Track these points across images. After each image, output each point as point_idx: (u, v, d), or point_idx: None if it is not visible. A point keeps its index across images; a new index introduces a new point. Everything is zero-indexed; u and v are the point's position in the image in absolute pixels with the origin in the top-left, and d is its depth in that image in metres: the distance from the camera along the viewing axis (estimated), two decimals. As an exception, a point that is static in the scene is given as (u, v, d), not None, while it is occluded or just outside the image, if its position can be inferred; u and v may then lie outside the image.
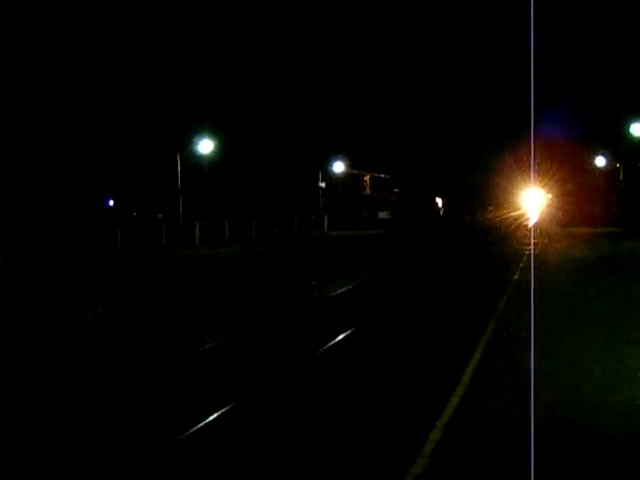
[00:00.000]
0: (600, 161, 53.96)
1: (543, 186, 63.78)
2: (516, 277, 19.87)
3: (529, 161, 57.79)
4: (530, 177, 61.77)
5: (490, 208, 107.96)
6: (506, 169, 71.40)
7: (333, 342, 11.41)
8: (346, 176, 66.65)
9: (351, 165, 65.58)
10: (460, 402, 7.86)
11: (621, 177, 52.49)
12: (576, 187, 57.84)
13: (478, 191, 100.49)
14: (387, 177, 78.59)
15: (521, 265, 23.29)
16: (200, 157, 44.03)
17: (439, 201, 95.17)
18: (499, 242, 37.10)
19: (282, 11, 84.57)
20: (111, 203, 57.02)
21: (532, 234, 42.32)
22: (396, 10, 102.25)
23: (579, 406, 7.62)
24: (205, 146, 42.56)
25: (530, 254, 27.59)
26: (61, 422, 7.66)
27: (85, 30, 49.01)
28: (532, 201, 71.81)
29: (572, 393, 8.10)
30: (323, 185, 58.12)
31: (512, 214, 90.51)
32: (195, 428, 7.20)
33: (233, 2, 76.62)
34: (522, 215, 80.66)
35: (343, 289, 18.02)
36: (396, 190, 78.92)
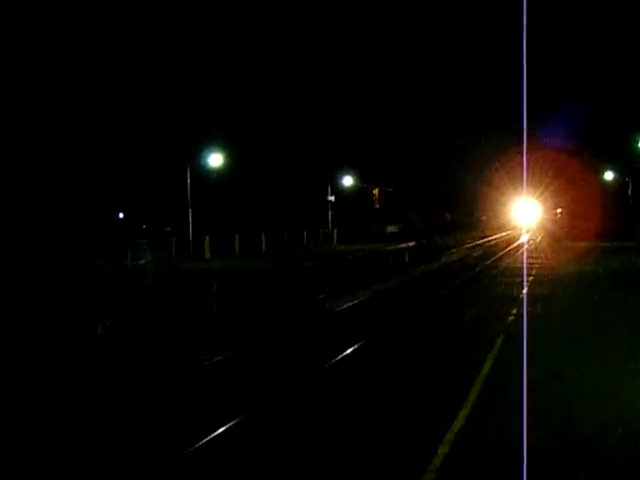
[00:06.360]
0: (609, 175, 53.88)
1: (538, 198, 63.35)
2: (525, 291, 19.90)
3: (532, 174, 57.33)
4: (531, 190, 61.22)
5: (484, 217, 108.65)
6: (503, 182, 70.78)
7: (342, 355, 11.46)
8: (355, 190, 66.71)
9: (360, 179, 65.68)
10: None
11: (630, 191, 52.33)
12: (584, 201, 57.62)
13: (474, 204, 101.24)
14: (396, 191, 78.61)
15: (530, 278, 23.25)
16: (210, 170, 44.22)
17: (447, 215, 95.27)
18: (509, 256, 36.97)
19: (292, 30, 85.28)
20: (121, 216, 57.36)
21: (539, 247, 42.18)
22: (401, 28, 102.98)
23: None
24: (215, 159, 42.77)
25: (541, 268, 27.48)
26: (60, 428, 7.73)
27: (99, 47, 49.59)
28: (533, 214, 71.28)
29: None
30: (332, 199, 58.25)
31: (512, 226, 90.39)
32: (201, 443, 7.24)
33: (244, 20, 77.34)
34: (523, 228, 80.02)
35: (351, 303, 18.05)
36: (404, 204, 78.90)
